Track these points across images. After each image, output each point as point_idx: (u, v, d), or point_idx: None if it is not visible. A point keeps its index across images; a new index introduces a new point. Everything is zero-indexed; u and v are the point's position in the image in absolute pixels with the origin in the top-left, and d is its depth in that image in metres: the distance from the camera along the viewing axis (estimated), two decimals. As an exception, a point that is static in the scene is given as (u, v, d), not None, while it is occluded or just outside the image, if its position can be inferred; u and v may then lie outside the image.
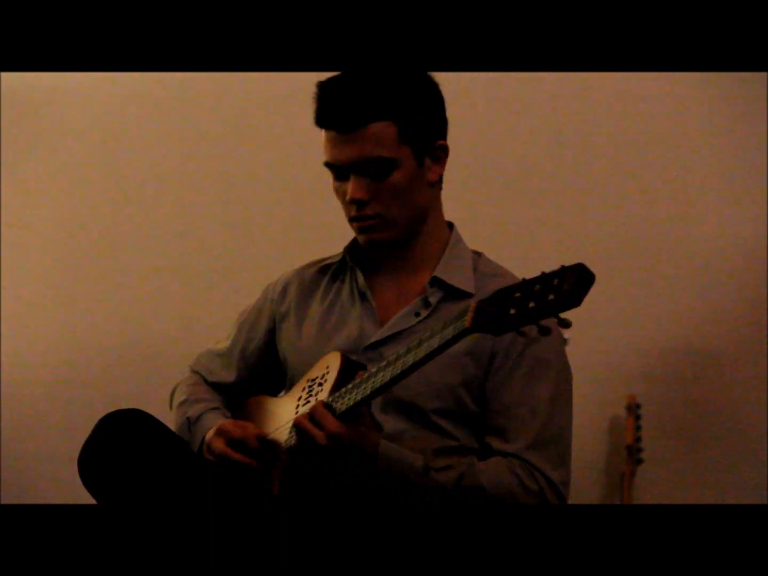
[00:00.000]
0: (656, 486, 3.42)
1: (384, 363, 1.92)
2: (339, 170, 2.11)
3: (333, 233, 3.54)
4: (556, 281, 1.70)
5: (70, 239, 3.79)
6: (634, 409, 3.41)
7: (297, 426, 1.93)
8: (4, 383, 3.74)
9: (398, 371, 1.89)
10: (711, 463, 3.41)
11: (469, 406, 2.08)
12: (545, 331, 1.74)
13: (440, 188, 2.19)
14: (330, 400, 1.96)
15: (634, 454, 3.37)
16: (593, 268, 1.67)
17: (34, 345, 3.77)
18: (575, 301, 1.68)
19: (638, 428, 3.39)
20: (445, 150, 2.16)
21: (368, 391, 1.91)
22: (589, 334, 3.41)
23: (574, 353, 3.25)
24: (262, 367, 2.29)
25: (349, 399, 1.93)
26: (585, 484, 3.40)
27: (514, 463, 2.02)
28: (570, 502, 2.09)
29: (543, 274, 1.73)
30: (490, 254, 2.25)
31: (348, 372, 2.05)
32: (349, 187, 2.09)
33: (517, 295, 1.75)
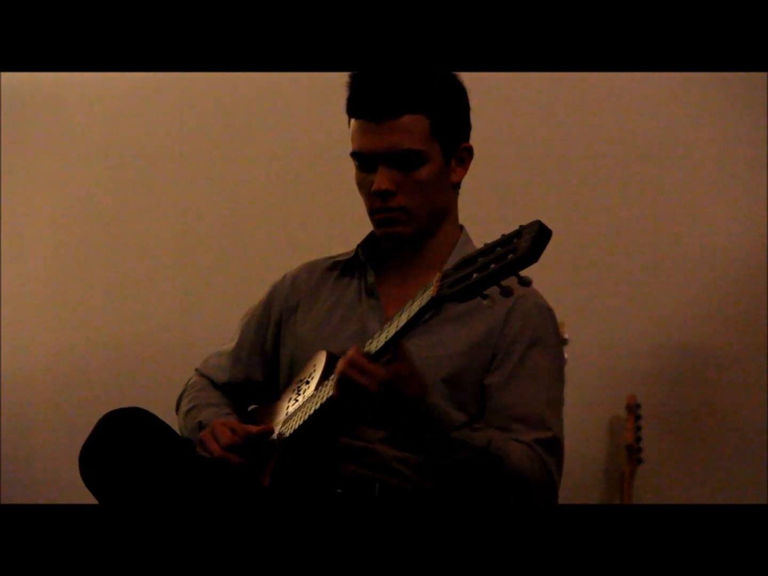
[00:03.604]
0: (656, 486, 3.42)
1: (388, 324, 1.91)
2: (367, 160, 2.11)
3: (333, 233, 3.55)
4: (515, 240, 1.71)
5: (70, 239, 3.79)
6: (634, 409, 3.41)
7: (344, 377, 1.86)
8: (4, 383, 3.74)
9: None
10: (711, 463, 3.41)
11: (467, 403, 2.08)
12: (507, 292, 1.74)
13: (458, 192, 2.20)
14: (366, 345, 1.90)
15: (634, 454, 3.37)
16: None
17: (34, 345, 3.77)
18: (533, 257, 1.69)
19: (638, 428, 3.39)
20: (470, 152, 2.17)
21: (381, 342, 1.87)
22: (589, 334, 3.41)
23: (574, 353, 3.26)
24: (273, 364, 2.29)
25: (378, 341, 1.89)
26: (585, 484, 3.40)
27: (527, 450, 2.02)
28: (570, 502, 2.09)
29: (503, 235, 1.74)
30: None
31: (332, 369, 2.05)
32: (377, 177, 2.09)
33: (480, 259, 1.75)
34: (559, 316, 2.21)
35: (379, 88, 2.09)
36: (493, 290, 1.75)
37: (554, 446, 2.05)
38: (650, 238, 3.47)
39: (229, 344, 2.34)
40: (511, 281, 1.73)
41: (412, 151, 2.08)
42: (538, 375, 2.08)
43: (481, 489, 1.96)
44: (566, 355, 2.96)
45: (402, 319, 1.85)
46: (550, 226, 1.70)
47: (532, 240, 1.68)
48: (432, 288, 1.81)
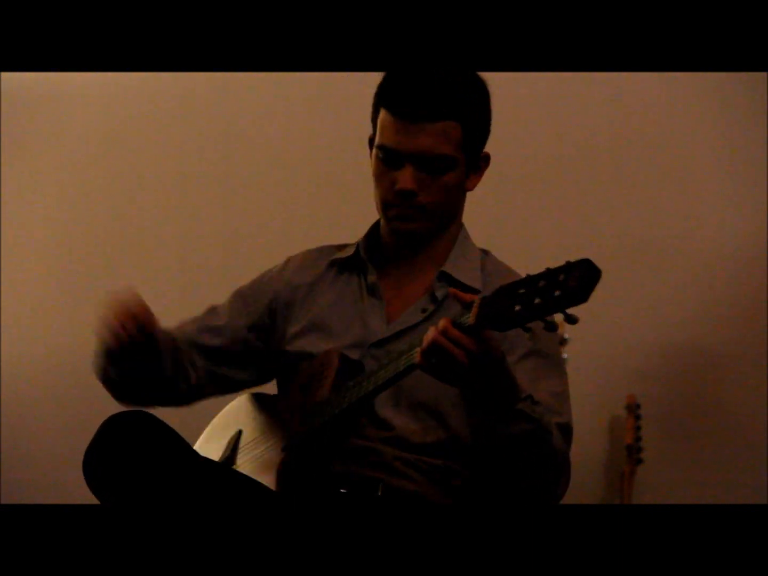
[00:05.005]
0: (656, 486, 3.42)
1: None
2: (395, 156, 2.10)
3: (334, 232, 3.55)
4: (561, 277, 1.70)
5: (70, 239, 3.79)
6: (634, 408, 3.40)
7: (435, 347, 1.84)
8: (4, 383, 3.74)
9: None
10: (711, 463, 3.41)
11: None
12: (551, 327, 1.75)
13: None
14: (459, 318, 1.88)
15: (634, 453, 3.37)
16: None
17: (34, 345, 3.77)
18: (582, 297, 1.68)
19: (638, 428, 3.39)
20: (487, 161, 2.17)
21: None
22: (589, 334, 3.41)
23: (574, 353, 3.26)
24: (247, 346, 2.28)
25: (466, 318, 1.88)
26: (585, 484, 3.40)
27: (558, 431, 2.01)
28: (570, 502, 2.09)
29: (548, 269, 1.73)
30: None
31: (345, 371, 2.05)
32: (403, 176, 2.08)
33: (522, 291, 1.74)
34: (559, 316, 2.21)
35: (422, 89, 2.08)
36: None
37: (569, 433, 2.05)
38: (650, 238, 3.47)
39: (210, 315, 2.32)
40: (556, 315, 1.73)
41: (443, 156, 2.08)
42: (544, 365, 2.08)
43: (525, 462, 1.96)
44: (566, 355, 2.96)
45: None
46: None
47: (581, 280, 1.67)
48: (470, 315, 1.81)
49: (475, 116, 2.12)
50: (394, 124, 2.09)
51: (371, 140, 2.16)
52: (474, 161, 2.14)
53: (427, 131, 2.07)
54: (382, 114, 2.12)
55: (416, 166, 2.09)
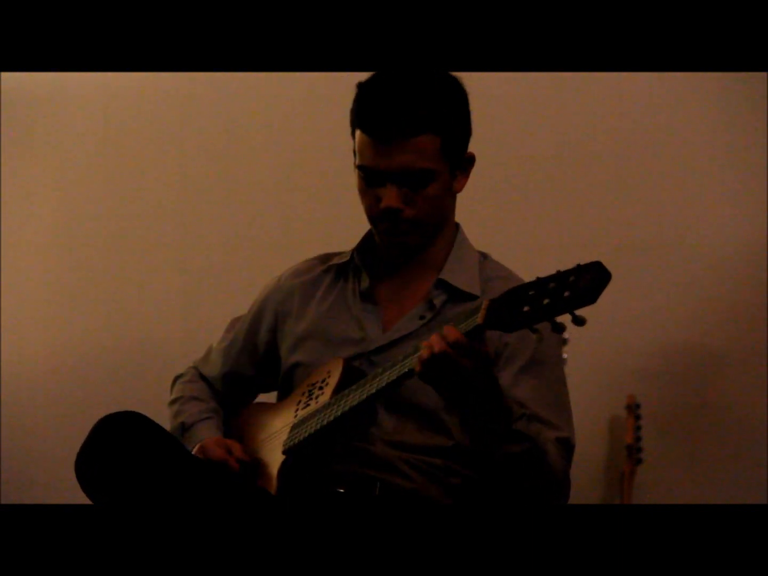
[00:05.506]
0: (656, 486, 3.42)
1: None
2: (375, 175, 2.09)
3: (334, 233, 3.55)
4: (571, 278, 1.70)
5: (70, 239, 3.79)
6: (634, 409, 3.41)
7: (441, 354, 1.84)
8: (4, 383, 3.74)
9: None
10: (711, 463, 3.41)
11: None
12: (559, 328, 1.74)
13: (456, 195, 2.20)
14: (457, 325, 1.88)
15: (634, 453, 3.37)
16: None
17: (34, 345, 3.77)
18: (591, 298, 1.69)
19: (638, 428, 3.39)
20: (471, 161, 2.16)
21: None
22: (589, 334, 3.40)
23: (574, 353, 3.26)
24: (263, 364, 2.29)
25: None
26: (585, 484, 3.40)
27: (556, 447, 2.00)
28: (570, 502, 2.09)
29: (558, 272, 1.73)
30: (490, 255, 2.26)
31: (349, 377, 2.05)
32: (386, 194, 2.07)
33: (531, 292, 1.75)
34: (559, 316, 2.21)
35: (393, 108, 2.06)
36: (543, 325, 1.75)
37: (569, 449, 2.05)
38: (650, 238, 3.47)
39: (222, 343, 2.35)
40: (563, 318, 1.73)
41: (424, 170, 2.07)
42: (544, 371, 2.08)
43: (522, 479, 1.96)
44: (566, 355, 2.97)
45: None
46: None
47: (592, 281, 1.69)
48: (479, 316, 1.82)
49: (451, 123, 2.10)
50: (371, 145, 2.07)
51: (355, 152, 2.15)
52: (458, 164, 2.13)
53: (404, 149, 2.05)
54: (358, 134, 2.10)
55: (398, 183, 2.07)
